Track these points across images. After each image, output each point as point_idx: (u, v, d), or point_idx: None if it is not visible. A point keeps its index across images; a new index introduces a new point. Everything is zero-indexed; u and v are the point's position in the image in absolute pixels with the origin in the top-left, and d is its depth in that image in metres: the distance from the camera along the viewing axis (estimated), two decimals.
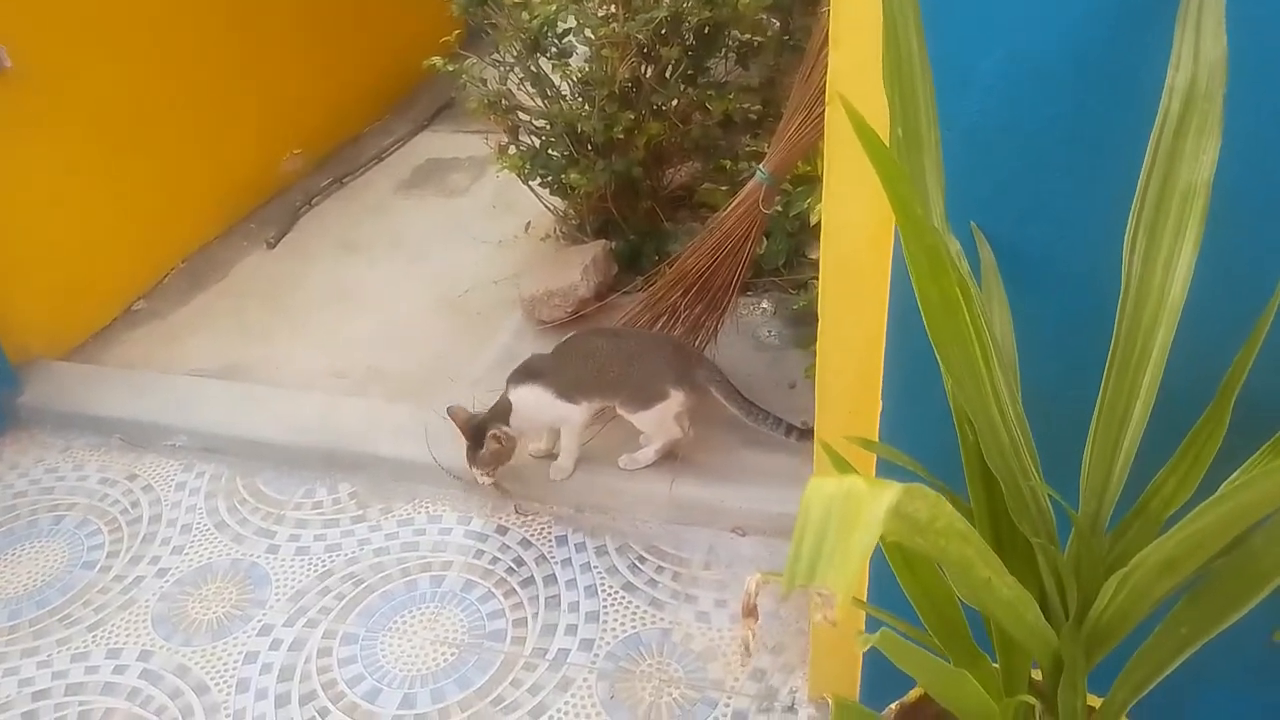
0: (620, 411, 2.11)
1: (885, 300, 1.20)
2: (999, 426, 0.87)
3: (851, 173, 1.24)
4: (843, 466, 1.07)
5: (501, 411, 2.08)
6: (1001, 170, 1.08)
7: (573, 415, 2.10)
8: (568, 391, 2.08)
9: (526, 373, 2.12)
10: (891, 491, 0.58)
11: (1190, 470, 0.90)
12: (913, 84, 0.93)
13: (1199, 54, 0.90)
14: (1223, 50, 0.89)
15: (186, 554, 2.13)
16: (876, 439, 1.31)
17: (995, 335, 0.98)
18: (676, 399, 2.06)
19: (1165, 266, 0.93)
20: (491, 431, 2.02)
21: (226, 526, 2.19)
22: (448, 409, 2.10)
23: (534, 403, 2.08)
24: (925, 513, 0.66)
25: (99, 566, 2.12)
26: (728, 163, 2.83)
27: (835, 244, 1.28)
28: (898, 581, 1.00)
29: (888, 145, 0.92)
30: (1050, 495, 0.93)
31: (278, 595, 2.01)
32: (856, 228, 1.25)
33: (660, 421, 2.09)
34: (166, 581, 2.07)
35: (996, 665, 1.02)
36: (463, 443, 2.07)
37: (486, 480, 2.09)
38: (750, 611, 0.87)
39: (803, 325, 2.52)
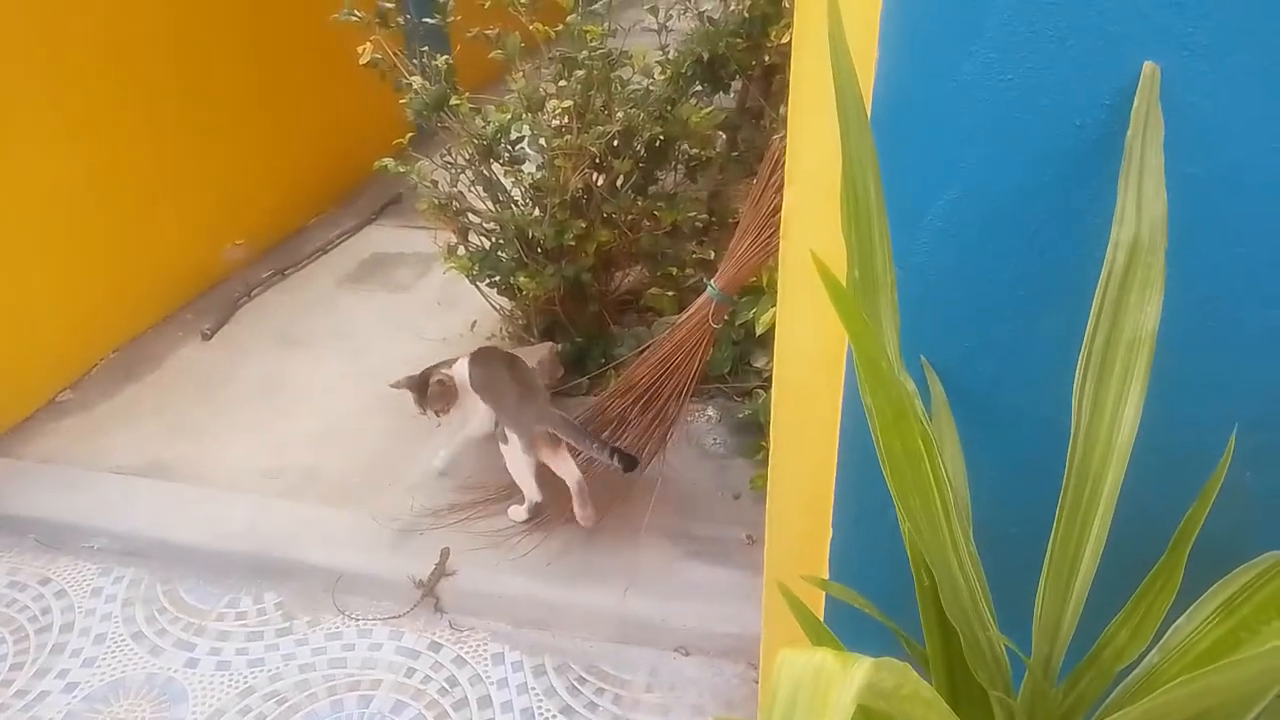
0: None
1: (837, 428, 1.21)
2: (958, 576, 0.86)
3: (805, 304, 1.25)
4: (795, 604, 1.05)
5: (444, 365, 2.27)
6: (950, 308, 1.10)
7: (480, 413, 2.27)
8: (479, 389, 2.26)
9: (475, 358, 2.30)
10: (862, 670, 0.56)
11: (1143, 622, 0.90)
12: (869, 226, 0.94)
13: (1141, 211, 0.93)
14: (1163, 208, 0.93)
15: (98, 667, 2.01)
16: (826, 564, 1.30)
17: (949, 476, 0.99)
18: (516, 446, 2.16)
19: (1113, 413, 0.95)
20: (436, 378, 2.21)
21: (144, 637, 2.07)
22: (393, 383, 2.27)
23: (461, 373, 2.26)
24: (892, 682, 0.64)
25: None
26: (674, 269, 2.87)
27: (788, 372, 1.29)
28: None
29: (845, 287, 0.94)
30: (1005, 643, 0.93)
31: (195, 714, 1.89)
32: (810, 357, 1.25)
33: (513, 468, 2.21)
34: (74, 697, 1.94)
35: None
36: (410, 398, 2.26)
37: (438, 419, 2.26)
38: None
39: (747, 434, 2.52)
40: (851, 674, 0.56)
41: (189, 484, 2.49)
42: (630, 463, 2.13)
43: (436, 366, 2.30)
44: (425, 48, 2.62)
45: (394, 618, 2.09)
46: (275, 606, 2.14)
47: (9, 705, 1.92)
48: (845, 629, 1.13)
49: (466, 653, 2.01)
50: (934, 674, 0.95)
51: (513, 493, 2.29)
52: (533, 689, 1.92)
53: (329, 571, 2.19)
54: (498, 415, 2.22)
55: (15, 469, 2.56)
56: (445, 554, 2.17)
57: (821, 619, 1.28)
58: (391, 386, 2.28)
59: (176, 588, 2.20)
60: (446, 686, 1.94)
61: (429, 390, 2.23)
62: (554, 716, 1.86)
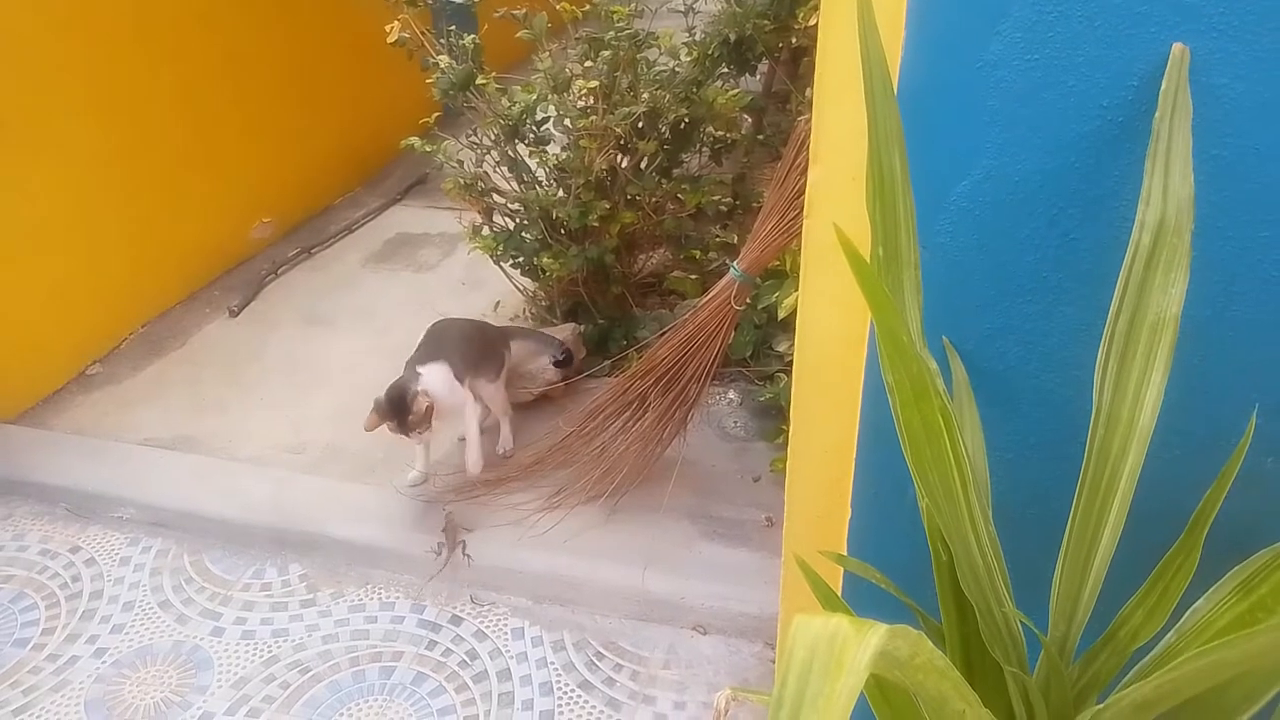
0: (479, 388, 2.37)
1: (857, 408, 1.21)
2: (974, 552, 0.87)
3: (828, 283, 1.26)
4: (812, 578, 1.06)
5: (408, 381, 2.20)
6: (973, 289, 1.10)
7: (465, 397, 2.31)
8: (460, 372, 2.29)
9: (428, 355, 2.31)
10: (877, 635, 0.57)
11: (1159, 602, 0.90)
12: (894, 204, 0.94)
13: (1168, 192, 0.93)
14: (1190, 190, 0.92)
15: (127, 634, 2.05)
16: (844, 543, 1.31)
17: (969, 454, 0.99)
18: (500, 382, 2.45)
19: (1135, 395, 0.95)
20: (414, 392, 2.14)
21: (171, 606, 2.11)
22: (368, 425, 2.17)
23: (440, 380, 2.23)
24: (906, 650, 0.65)
25: (32, 644, 2.03)
26: (698, 252, 2.88)
27: (809, 351, 1.29)
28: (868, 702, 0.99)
29: (869, 263, 0.94)
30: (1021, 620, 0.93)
31: (220, 681, 1.93)
32: (831, 336, 1.26)
33: (499, 405, 2.46)
34: (104, 662, 1.98)
35: None
36: (384, 424, 2.18)
37: (420, 440, 2.25)
38: None
39: (768, 418, 2.53)
40: (866, 639, 0.57)
41: (215, 457, 2.53)
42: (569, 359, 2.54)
43: (399, 383, 2.18)
44: (452, 27, 2.64)
45: (416, 591, 2.11)
46: (300, 578, 2.18)
47: (41, 668, 1.97)
48: (862, 606, 1.13)
49: (487, 627, 2.04)
50: (949, 649, 0.96)
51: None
52: (552, 663, 1.95)
53: (352, 545, 2.22)
54: (479, 365, 2.36)
55: (46, 439, 2.61)
56: (450, 518, 2.19)
57: (839, 595, 1.29)
58: (368, 429, 2.17)
59: (203, 558, 2.24)
60: (467, 659, 1.96)
61: (412, 412, 2.12)
62: (572, 691, 1.89)
